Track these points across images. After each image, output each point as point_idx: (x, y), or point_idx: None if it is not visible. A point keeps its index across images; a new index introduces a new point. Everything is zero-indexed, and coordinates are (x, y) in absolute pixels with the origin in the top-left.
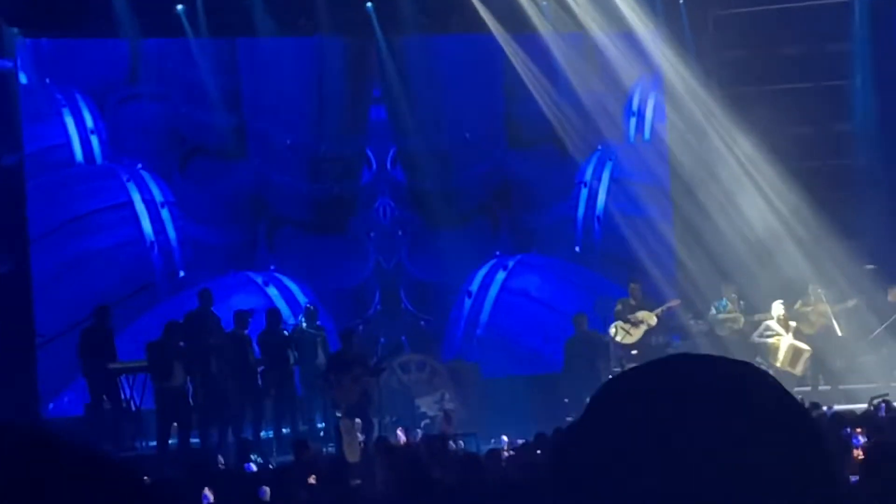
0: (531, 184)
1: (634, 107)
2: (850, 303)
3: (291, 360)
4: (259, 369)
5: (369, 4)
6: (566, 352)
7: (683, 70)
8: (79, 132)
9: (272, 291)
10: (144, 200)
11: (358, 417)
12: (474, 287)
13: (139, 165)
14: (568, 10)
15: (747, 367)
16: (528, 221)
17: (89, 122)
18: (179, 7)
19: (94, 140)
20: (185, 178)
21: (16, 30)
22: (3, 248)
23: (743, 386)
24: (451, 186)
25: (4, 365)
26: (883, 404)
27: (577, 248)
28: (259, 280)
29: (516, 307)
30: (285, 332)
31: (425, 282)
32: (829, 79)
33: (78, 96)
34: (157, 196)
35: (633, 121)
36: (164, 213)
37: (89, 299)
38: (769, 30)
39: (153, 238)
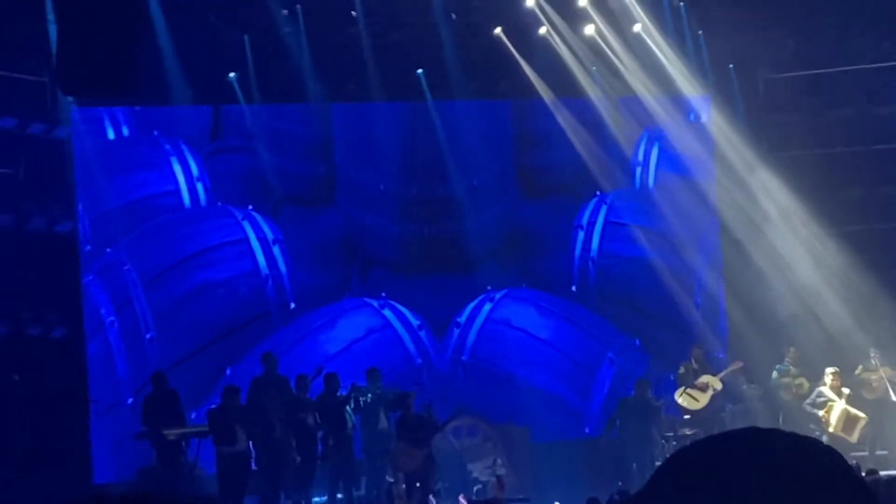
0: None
1: (640, 157)
2: None
3: (350, 424)
4: (318, 434)
5: (420, 70)
6: (620, 413)
7: (732, 133)
8: (186, 179)
9: (388, 314)
10: (258, 238)
11: (420, 482)
12: (463, 318)
13: (250, 207)
14: (618, 74)
15: (815, 444)
16: (533, 265)
17: (195, 171)
18: (232, 74)
19: (200, 187)
20: (279, 224)
21: (71, 98)
22: (59, 314)
23: (810, 463)
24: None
25: (58, 431)
26: None
27: (573, 288)
28: (375, 304)
29: (498, 335)
30: (342, 395)
31: None
32: (879, 142)
33: (183, 147)
34: (269, 234)
35: (638, 170)
36: (276, 250)
37: (209, 327)
38: (819, 93)
39: (267, 271)
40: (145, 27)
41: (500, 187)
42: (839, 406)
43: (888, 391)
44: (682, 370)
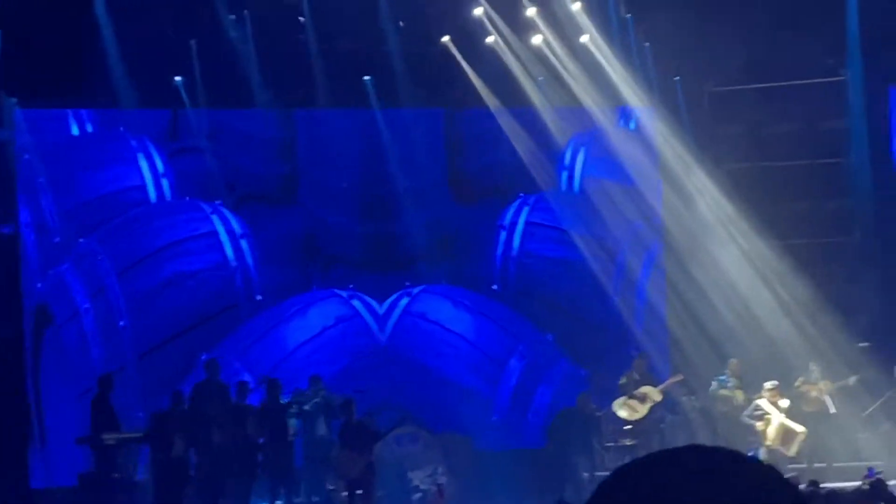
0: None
1: (567, 161)
2: (851, 380)
3: (292, 431)
4: (259, 440)
5: (367, 78)
6: (559, 423)
7: (676, 145)
8: (152, 175)
9: (357, 304)
10: (227, 231)
11: (361, 490)
12: (381, 311)
13: (218, 202)
14: (564, 84)
15: (756, 464)
16: (461, 265)
17: (160, 167)
18: (178, 78)
19: (165, 183)
20: (244, 220)
21: (14, 100)
22: (0, 316)
23: (751, 484)
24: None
25: None
26: (877, 482)
27: (494, 286)
28: (344, 294)
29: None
30: (284, 401)
31: None
32: (822, 156)
33: (149, 143)
34: (237, 228)
35: (564, 174)
36: (243, 244)
37: (181, 316)
38: (764, 107)
39: (235, 263)
40: (91, 30)
41: (434, 190)
42: (777, 419)
43: (827, 404)
44: (623, 380)
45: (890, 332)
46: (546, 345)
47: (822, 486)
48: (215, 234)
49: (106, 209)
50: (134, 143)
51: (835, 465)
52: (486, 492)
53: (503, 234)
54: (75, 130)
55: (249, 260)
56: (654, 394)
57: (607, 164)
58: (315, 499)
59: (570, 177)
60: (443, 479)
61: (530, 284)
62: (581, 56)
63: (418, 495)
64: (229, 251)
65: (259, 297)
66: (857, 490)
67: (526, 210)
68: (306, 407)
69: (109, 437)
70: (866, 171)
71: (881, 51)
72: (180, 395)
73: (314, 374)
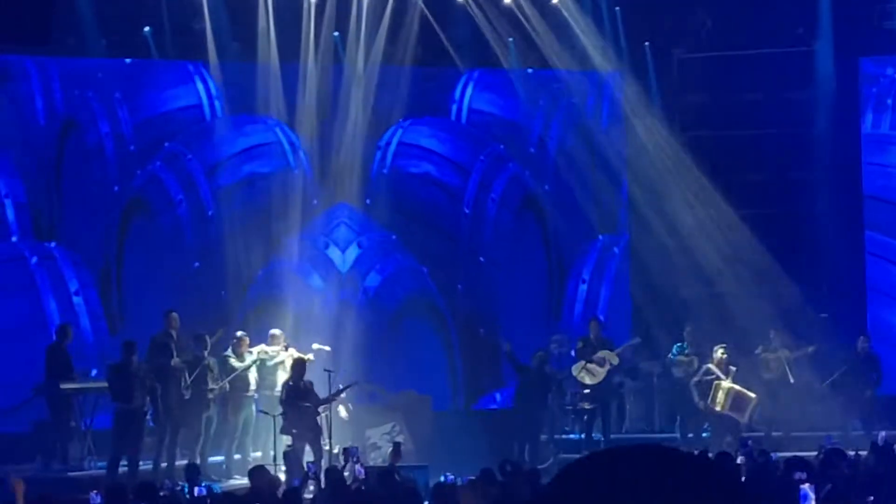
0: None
1: (457, 95)
2: (810, 349)
3: (253, 386)
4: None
5: (336, 34)
6: (520, 384)
7: (644, 111)
8: (207, 96)
9: None
10: (288, 142)
11: (309, 444)
12: None
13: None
14: (534, 47)
15: (710, 464)
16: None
17: (213, 90)
18: (147, 29)
19: (217, 104)
20: None
21: None
22: None
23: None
24: None
25: None
26: (832, 451)
27: (367, 201)
28: None
29: None
30: (249, 354)
31: None
32: (788, 126)
33: (203, 69)
34: (295, 140)
35: (454, 107)
36: (301, 154)
37: (258, 212)
38: (732, 75)
39: (297, 170)
40: None
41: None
42: (726, 384)
43: (786, 373)
44: (580, 344)
45: (850, 304)
46: (388, 242)
47: (779, 454)
48: (279, 143)
49: (172, 124)
50: (191, 67)
51: (792, 434)
52: (444, 451)
53: (378, 153)
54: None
55: (307, 168)
56: (611, 357)
57: (494, 101)
58: (272, 452)
59: (459, 109)
60: (399, 438)
61: (393, 197)
62: (550, 18)
63: (375, 453)
64: (291, 158)
65: (315, 202)
66: (815, 460)
67: (400, 132)
68: (269, 363)
69: (68, 387)
70: (829, 142)
71: (853, 22)
72: (132, 346)
73: (274, 331)
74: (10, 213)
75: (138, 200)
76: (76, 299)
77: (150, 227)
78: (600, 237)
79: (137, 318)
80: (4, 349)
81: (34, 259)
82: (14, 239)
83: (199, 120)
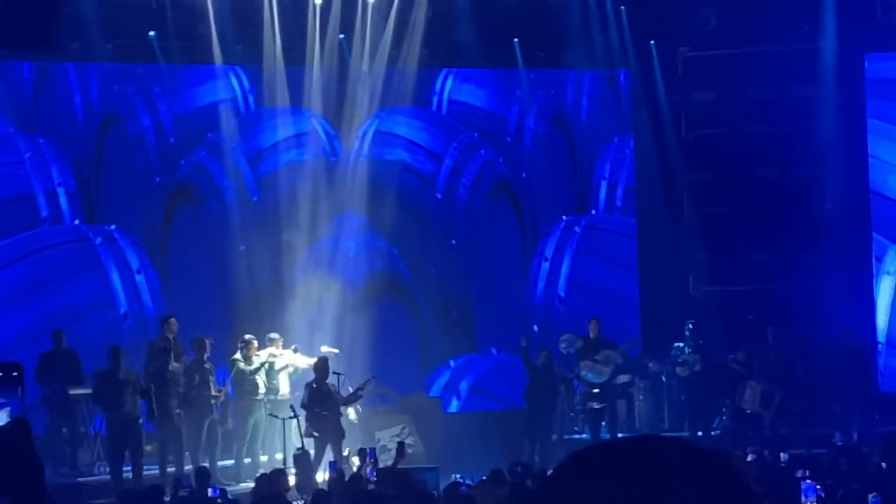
0: None
1: (437, 87)
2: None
3: (262, 389)
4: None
5: (342, 36)
6: (530, 384)
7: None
8: (241, 90)
9: None
10: (324, 131)
11: (331, 445)
12: None
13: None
14: (540, 46)
15: (712, 455)
16: None
17: (246, 84)
18: (151, 33)
19: (251, 98)
20: None
21: None
22: None
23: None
24: None
25: None
26: (836, 449)
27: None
28: None
29: None
30: (257, 357)
31: None
32: (793, 122)
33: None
34: (330, 129)
35: (435, 98)
36: (336, 142)
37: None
38: (737, 72)
39: (333, 158)
40: None
41: None
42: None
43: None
44: (580, 343)
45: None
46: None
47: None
48: (315, 132)
49: (210, 116)
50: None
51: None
52: (454, 453)
53: (356, 143)
54: None
55: (341, 155)
56: (615, 357)
57: (473, 91)
58: (278, 456)
59: (440, 100)
60: (408, 439)
61: (370, 184)
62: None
63: (384, 454)
64: (328, 147)
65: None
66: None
67: (377, 122)
68: (276, 367)
69: (73, 392)
70: (836, 139)
71: (857, 19)
72: (119, 352)
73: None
74: (64, 201)
75: (184, 188)
76: (138, 277)
77: (197, 213)
78: (564, 217)
79: (183, 299)
80: (78, 325)
81: (98, 240)
82: (77, 221)
83: (237, 113)
